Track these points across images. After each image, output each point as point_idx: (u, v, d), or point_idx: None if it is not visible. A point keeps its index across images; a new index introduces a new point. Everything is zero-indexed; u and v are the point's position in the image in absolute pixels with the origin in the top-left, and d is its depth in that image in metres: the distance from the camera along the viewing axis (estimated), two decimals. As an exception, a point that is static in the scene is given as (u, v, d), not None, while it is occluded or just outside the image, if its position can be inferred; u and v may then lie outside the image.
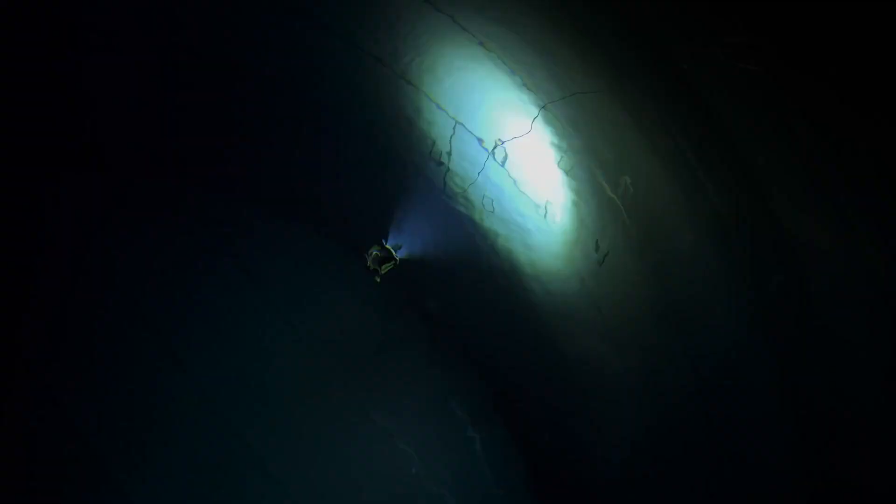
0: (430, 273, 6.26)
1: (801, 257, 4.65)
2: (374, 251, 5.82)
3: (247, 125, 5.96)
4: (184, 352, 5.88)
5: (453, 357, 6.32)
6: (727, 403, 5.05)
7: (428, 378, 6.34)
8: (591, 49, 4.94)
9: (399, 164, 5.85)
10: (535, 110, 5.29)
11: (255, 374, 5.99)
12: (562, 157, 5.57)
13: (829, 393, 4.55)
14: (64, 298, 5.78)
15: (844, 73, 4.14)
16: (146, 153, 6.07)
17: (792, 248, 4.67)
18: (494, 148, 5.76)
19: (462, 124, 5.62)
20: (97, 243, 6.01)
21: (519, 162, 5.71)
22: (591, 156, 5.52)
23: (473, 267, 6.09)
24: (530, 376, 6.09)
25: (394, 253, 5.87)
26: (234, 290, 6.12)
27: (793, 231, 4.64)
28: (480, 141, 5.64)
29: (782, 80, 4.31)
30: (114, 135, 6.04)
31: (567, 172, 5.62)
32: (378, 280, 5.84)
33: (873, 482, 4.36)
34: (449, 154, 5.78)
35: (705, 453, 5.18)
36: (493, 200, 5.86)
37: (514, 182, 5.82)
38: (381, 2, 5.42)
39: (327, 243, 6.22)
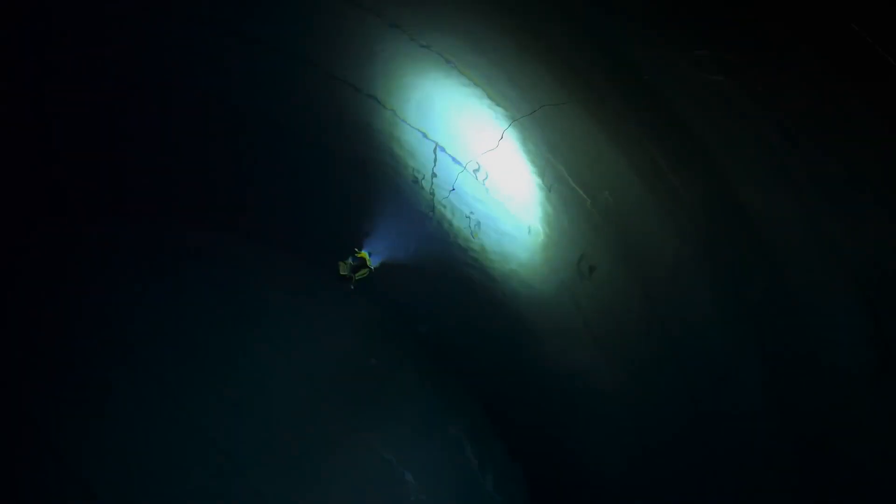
0: (420, 297, 6.31)
1: (779, 259, 4.70)
2: (349, 260, 5.88)
3: (232, 163, 6.04)
4: (180, 389, 5.90)
5: (447, 378, 6.35)
6: (720, 410, 5.07)
7: (423, 401, 6.36)
8: (559, 65, 5.03)
9: (384, 190, 5.93)
10: (505, 125, 5.38)
11: (253, 407, 6.00)
12: (543, 174, 5.64)
13: (818, 393, 4.57)
14: (60, 341, 5.81)
15: (808, 76, 4.23)
16: (136, 196, 6.14)
17: (770, 251, 4.72)
18: (476, 169, 5.85)
19: (441, 147, 5.71)
20: (92, 284, 6.05)
21: (501, 182, 5.78)
22: (572, 172, 5.59)
23: (462, 288, 6.14)
24: (524, 393, 6.11)
25: (368, 260, 5.92)
26: (228, 325, 6.16)
27: (770, 234, 4.70)
28: (459, 161, 5.71)
29: (748, 88, 4.40)
30: (102, 180, 6.12)
31: (549, 189, 5.68)
32: (353, 287, 5.89)
33: (867, 476, 4.38)
34: (433, 177, 5.86)
35: (702, 461, 5.18)
36: (478, 222, 5.92)
37: (499, 202, 5.88)
38: (359, 34, 5.53)
39: (318, 274, 6.27)
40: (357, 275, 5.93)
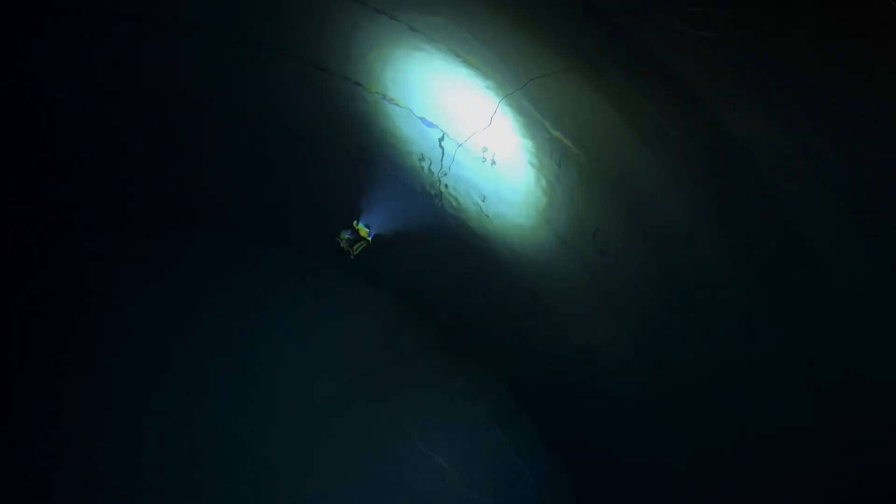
0: (436, 282, 6.29)
1: (793, 214, 4.59)
2: (346, 234, 5.86)
3: (242, 168, 6.08)
4: (206, 393, 6.01)
5: (472, 362, 6.34)
6: (744, 376, 4.99)
7: (450, 385, 6.37)
8: (551, 35, 4.93)
9: (386, 176, 5.89)
10: (500, 99, 5.30)
11: (280, 406, 6.08)
12: (549, 149, 5.56)
13: (840, 349, 4.47)
14: (86, 344, 5.95)
15: (808, 25, 4.07)
16: (156, 206, 6.23)
17: (783, 206, 4.61)
18: (482, 150, 5.77)
19: (440, 127, 5.64)
20: (117, 294, 6.17)
21: (507, 160, 5.71)
22: (579, 145, 5.49)
23: (479, 271, 6.10)
24: (548, 369, 6.08)
25: (365, 233, 5.89)
26: (250, 327, 6.23)
27: (781, 189, 4.58)
28: (460, 141, 5.65)
29: (745, 43, 4.25)
30: (123, 191, 6.21)
31: (559, 165, 5.60)
32: (352, 258, 5.86)
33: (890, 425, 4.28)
34: (437, 159, 5.81)
35: (731, 434, 5.11)
36: (487, 202, 5.86)
37: (506, 181, 5.81)
38: (351, 27, 5.48)
39: (331, 269, 6.29)
40: (355, 247, 5.90)
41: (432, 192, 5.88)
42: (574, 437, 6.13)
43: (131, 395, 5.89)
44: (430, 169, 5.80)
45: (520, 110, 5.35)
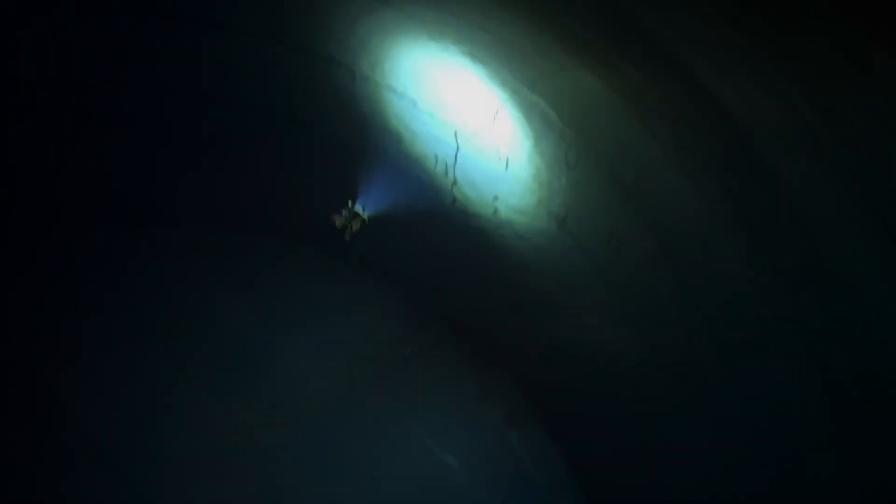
0: (450, 282, 6.25)
1: (813, 225, 4.44)
2: (343, 212, 5.82)
3: (248, 157, 6.08)
4: (220, 389, 6.05)
5: (483, 362, 6.30)
6: (755, 377, 4.88)
7: (462, 385, 6.34)
8: (563, 32, 4.82)
9: (399, 173, 5.85)
10: (512, 98, 5.20)
11: (289, 401, 6.12)
12: (564, 150, 5.45)
13: (857, 357, 4.33)
14: (94, 341, 6.03)
15: (829, 28, 3.90)
16: (153, 202, 6.27)
17: (803, 217, 4.46)
18: (496, 149, 5.68)
19: (453, 124, 5.56)
20: (125, 291, 6.24)
21: (520, 161, 5.62)
22: (592, 145, 5.38)
23: (491, 272, 6.05)
24: (561, 372, 6.00)
25: (361, 213, 5.84)
26: (260, 321, 6.26)
27: (802, 200, 4.43)
28: (473, 139, 5.57)
29: (764, 44, 4.09)
30: (117, 189, 6.25)
31: (575, 167, 5.49)
32: (348, 239, 5.82)
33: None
34: (454, 162, 5.75)
35: (739, 425, 4.99)
36: (499, 200, 5.78)
37: (520, 180, 5.72)
38: (355, 19, 5.42)
39: (345, 268, 6.29)
40: (352, 223, 5.87)
41: (444, 189, 5.81)
42: (585, 441, 6.05)
43: (144, 392, 5.96)
44: (441, 166, 5.73)
45: (531, 107, 5.24)
